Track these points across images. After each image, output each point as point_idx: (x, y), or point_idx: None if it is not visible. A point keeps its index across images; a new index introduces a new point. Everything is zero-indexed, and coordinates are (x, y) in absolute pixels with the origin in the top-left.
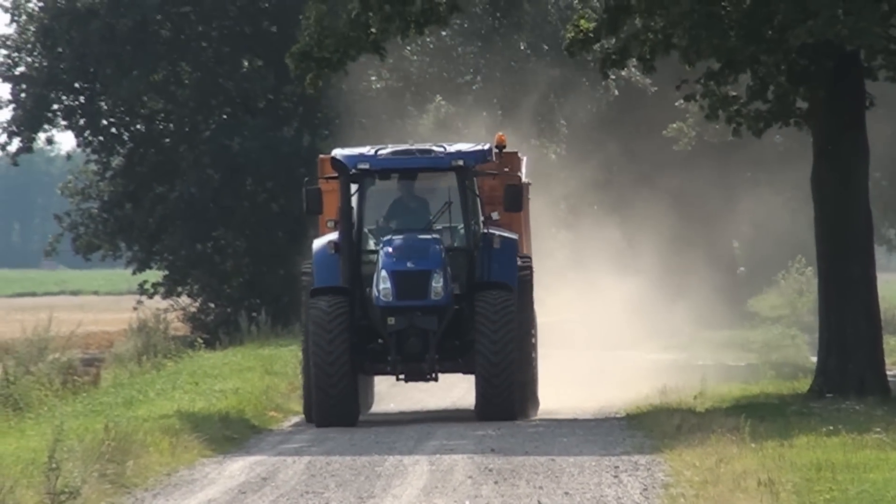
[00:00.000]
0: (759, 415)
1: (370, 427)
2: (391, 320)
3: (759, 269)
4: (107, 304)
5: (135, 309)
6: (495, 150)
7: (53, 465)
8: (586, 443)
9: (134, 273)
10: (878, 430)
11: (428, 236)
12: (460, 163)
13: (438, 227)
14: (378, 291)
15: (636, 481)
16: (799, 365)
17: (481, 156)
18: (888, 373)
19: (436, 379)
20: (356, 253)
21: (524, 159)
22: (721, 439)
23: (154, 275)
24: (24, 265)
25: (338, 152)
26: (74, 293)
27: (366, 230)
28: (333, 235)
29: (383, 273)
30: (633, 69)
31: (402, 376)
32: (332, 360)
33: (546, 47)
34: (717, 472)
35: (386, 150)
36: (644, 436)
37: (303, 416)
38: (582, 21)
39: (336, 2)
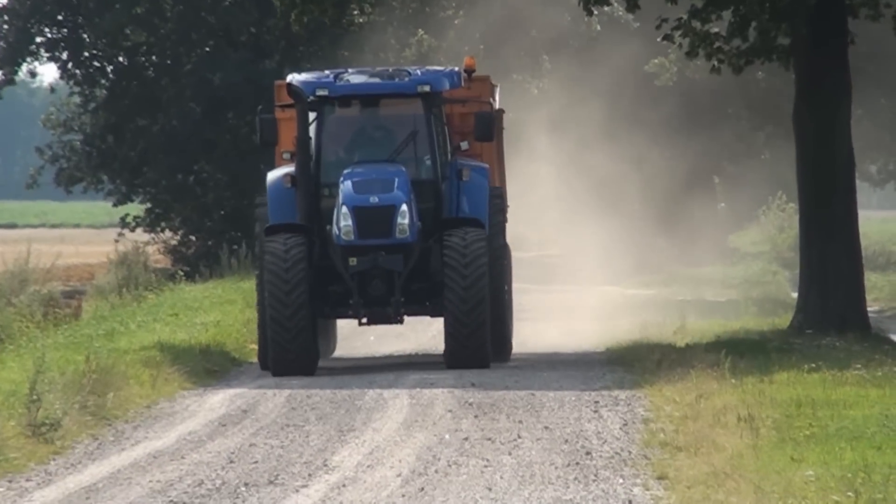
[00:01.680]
0: (740, 351)
1: (349, 360)
2: (353, 261)
3: (740, 204)
4: (88, 237)
5: (116, 241)
6: (464, 75)
7: (34, 397)
8: (566, 378)
9: (115, 206)
10: (859, 366)
11: (392, 168)
12: (426, 88)
13: (404, 158)
14: (338, 229)
15: (616, 416)
16: (779, 301)
17: (449, 80)
18: (868, 309)
19: (401, 322)
20: (314, 187)
21: (497, 86)
22: (701, 375)
23: (136, 208)
24: (5, 197)
25: (294, 77)
26: (55, 226)
27: (325, 162)
28: (290, 168)
29: (344, 209)
30: (615, 5)
31: (364, 320)
32: (290, 312)
33: None
34: (697, 407)
35: (346, 75)
36: (624, 371)
37: None
38: None
39: None
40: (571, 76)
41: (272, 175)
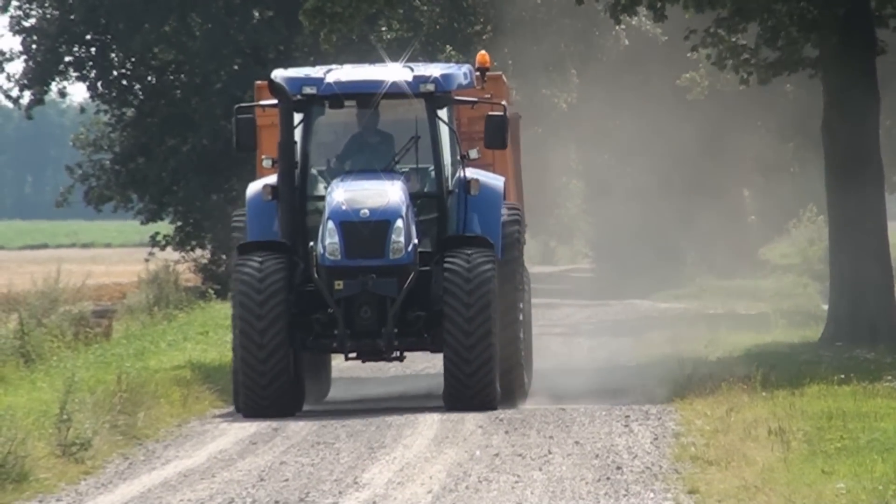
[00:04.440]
0: (770, 363)
1: (379, 377)
2: (339, 284)
3: (770, 217)
4: (119, 257)
5: (146, 260)
6: (476, 74)
7: (65, 417)
8: (597, 392)
9: (143, 223)
10: (890, 378)
11: (388, 179)
12: (431, 87)
13: (405, 167)
14: (323, 248)
15: (647, 430)
16: (810, 313)
17: (459, 78)
18: None
19: (400, 358)
20: (300, 199)
21: (513, 89)
22: (732, 388)
23: (166, 226)
24: (36, 217)
25: (278, 73)
26: (86, 245)
27: (314, 171)
28: (273, 178)
29: (330, 224)
30: (643, 18)
31: (352, 355)
32: (265, 356)
33: None
34: (727, 420)
35: (338, 71)
36: (655, 385)
37: None
38: None
39: None
40: (600, 91)
41: (252, 187)
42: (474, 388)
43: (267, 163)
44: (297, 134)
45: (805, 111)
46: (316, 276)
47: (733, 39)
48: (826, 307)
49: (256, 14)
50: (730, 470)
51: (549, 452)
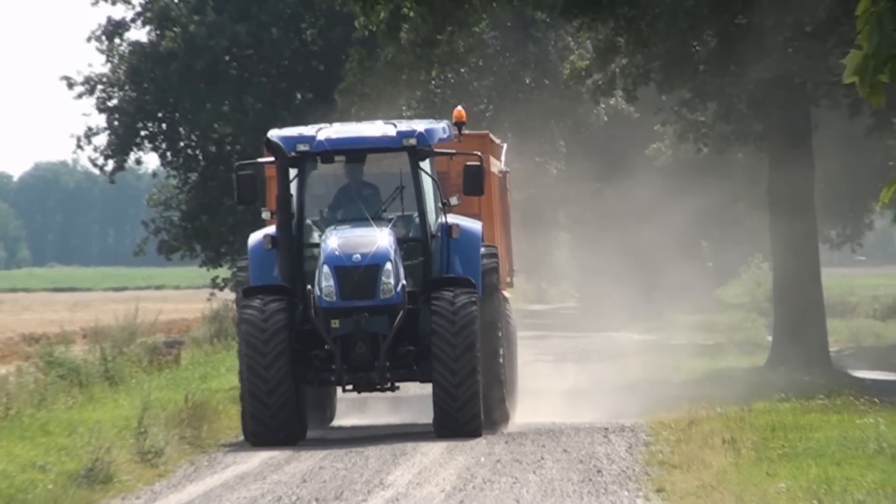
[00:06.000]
0: (724, 385)
1: (401, 397)
2: (335, 323)
3: (725, 264)
4: (186, 297)
5: (208, 300)
6: (454, 130)
7: (142, 430)
8: (581, 409)
9: (203, 267)
10: (822, 396)
11: (376, 226)
12: (412, 142)
13: (391, 215)
14: (320, 290)
15: (622, 440)
16: (757, 343)
17: (438, 133)
18: (830, 349)
19: (392, 389)
20: (297, 247)
21: (504, 146)
22: (692, 405)
23: (224, 271)
24: (117, 264)
25: (274, 133)
26: (159, 287)
27: (309, 221)
28: (272, 229)
29: (325, 269)
30: (619, 99)
31: (349, 387)
32: (270, 388)
33: (547, 81)
34: (689, 432)
35: (328, 130)
36: (629, 403)
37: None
38: (577, 63)
39: (374, 47)
40: (583, 159)
41: (254, 237)
42: (461, 420)
43: (266, 215)
44: (293, 187)
45: (753, 176)
46: (314, 316)
47: (693, 117)
48: (770, 338)
49: (299, 96)
50: (690, 472)
51: (542, 459)
